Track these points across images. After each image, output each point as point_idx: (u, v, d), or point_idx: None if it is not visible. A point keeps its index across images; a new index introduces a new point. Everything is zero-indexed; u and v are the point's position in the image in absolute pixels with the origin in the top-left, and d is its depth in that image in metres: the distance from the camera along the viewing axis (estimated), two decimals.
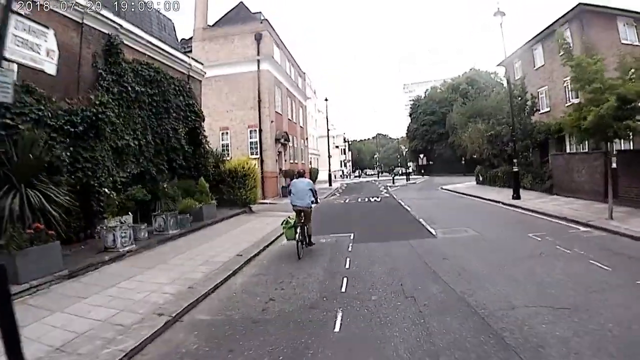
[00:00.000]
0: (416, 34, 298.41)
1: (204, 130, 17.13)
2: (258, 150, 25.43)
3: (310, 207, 9.48)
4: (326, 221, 13.83)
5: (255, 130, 25.52)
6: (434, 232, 11.11)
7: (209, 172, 16.74)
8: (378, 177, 63.80)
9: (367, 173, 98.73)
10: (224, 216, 15.49)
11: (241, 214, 17.05)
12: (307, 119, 63.18)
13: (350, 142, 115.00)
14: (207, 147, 17.01)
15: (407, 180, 43.64)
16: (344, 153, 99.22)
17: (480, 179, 30.72)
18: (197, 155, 16.46)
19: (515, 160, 19.04)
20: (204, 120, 17.41)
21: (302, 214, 9.27)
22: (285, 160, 29.47)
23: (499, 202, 18.24)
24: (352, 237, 10.93)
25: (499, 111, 43.04)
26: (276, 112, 27.51)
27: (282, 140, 27.44)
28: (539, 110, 25.57)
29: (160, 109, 14.28)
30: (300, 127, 36.92)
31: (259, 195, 18.94)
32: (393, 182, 39.62)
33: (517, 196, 18.15)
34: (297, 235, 8.88)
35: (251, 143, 25.82)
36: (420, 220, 13.53)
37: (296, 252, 8.83)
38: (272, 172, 26.02)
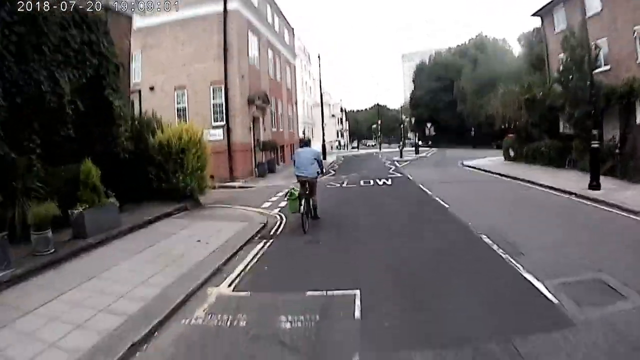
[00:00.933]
0: (413, 4, 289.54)
1: (117, 82, 10.47)
2: (224, 115, 18.90)
3: (316, 178, 8.98)
4: (303, 245, 7.71)
5: (221, 89, 18.92)
6: (552, 298, 4.65)
7: (120, 149, 10.28)
8: (380, 148, 57.31)
9: (367, 144, 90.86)
10: (138, 222, 9.14)
11: (175, 213, 10.67)
12: (298, 82, 56.41)
13: (347, 112, 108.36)
14: (119, 107, 10.42)
15: (416, 153, 36.78)
16: (341, 123, 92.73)
17: (512, 154, 24.42)
18: (102, 123, 10.04)
19: (595, 132, 12.70)
20: (118, 69, 10.74)
21: (307, 184, 8.69)
22: (265, 129, 22.90)
23: (570, 192, 12.13)
24: (357, 312, 4.53)
25: (518, 78, 37.19)
26: (250, 65, 20.85)
27: (258, 103, 20.84)
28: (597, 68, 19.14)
29: (26, 46, 7.78)
30: (287, 89, 30.21)
31: (208, 180, 12.44)
32: (401, 155, 32.93)
33: (596, 185, 12.03)
34: (301, 207, 8.25)
35: (215, 106, 19.28)
36: (486, 239, 7.20)
37: (301, 226, 8.32)
38: (244, 145, 19.59)
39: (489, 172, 19.29)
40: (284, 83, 28.54)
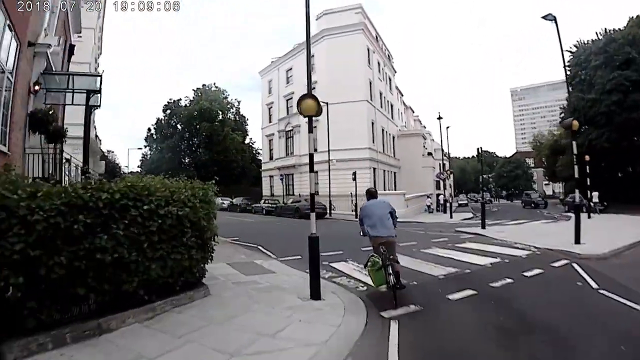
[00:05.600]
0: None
1: None
2: None
3: (396, 236, 6.65)
4: None
5: None
6: None
7: None
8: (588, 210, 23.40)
9: (532, 199, 45.94)
10: None
11: None
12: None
13: (449, 158, 79.97)
14: None
15: None
16: (443, 171, 64.15)
17: None
18: None
19: None
20: None
21: (385, 245, 6.30)
22: None
23: None
24: None
25: None
26: None
27: None
28: None
29: None
30: None
31: None
32: None
33: None
34: (391, 277, 5.92)
35: None
36: None
37: (392, 300, 5.79)
38: None
39: None
40: None
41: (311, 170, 6.19)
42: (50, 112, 8.55)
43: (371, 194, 7.15)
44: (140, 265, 4.60)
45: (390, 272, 5.99)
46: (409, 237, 14.02)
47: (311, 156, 6.16)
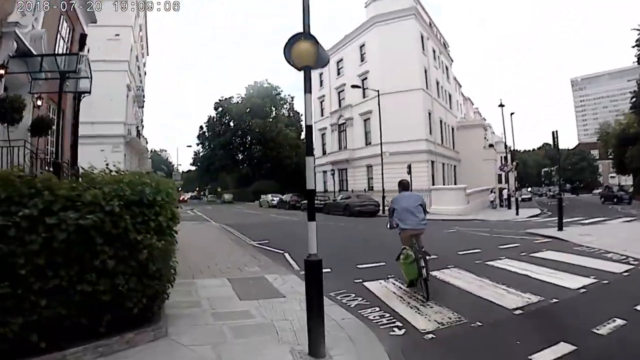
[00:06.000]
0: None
1: None
2: None
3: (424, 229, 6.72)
4: None
5: None
6: None
7: None
8: None
9: (614, 191, 40.56)
10: None
11: None
12: None
13: (512, 151, 75.17)
14: None
15: None
16: (505, 163, 59.75)
17: None
18: None
19: None
20: None
21: (416, 237, 6.54)
22: None
23: None
24: None
25: None
26: None
27: None
28: None
29: None
30: None
31: None
32: None
33: None
34: (423, 271, 5.99)
35: None
36: None
37: (424, 295, 5.90)
38: None
39: None
40: None
41: (308, 152, 4.19)
42: (20, 99, 7.22)
43: (404, 186, 7.13)
44: (23, 301, 2.90)
45: (423, 264, 5.99)
46: (472, 242, 11.72)
47: (309, 129, 4.18)
